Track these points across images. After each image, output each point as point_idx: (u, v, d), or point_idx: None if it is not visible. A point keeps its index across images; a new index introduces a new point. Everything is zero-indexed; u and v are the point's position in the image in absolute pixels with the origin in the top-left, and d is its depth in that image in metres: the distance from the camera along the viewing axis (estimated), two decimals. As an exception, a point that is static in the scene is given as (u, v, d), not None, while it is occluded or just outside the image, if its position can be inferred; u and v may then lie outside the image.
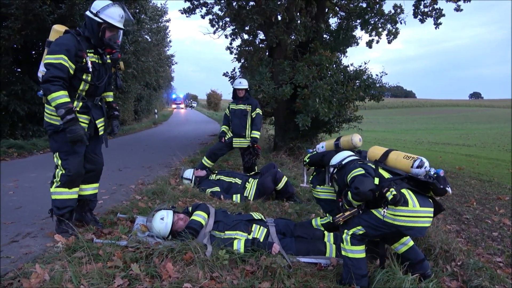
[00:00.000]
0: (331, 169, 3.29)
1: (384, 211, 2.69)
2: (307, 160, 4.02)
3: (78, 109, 3.41)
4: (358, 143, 3.79)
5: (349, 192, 2.91)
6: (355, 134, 3.83)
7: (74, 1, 10.24)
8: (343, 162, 3.22)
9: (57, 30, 3.46)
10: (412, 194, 2.70)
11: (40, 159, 8.76)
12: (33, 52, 12.62)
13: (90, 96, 3.51)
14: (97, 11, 3.33)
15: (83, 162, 3.56)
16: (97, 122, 3.59)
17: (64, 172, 3.44)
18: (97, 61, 3.46)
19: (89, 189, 3.76)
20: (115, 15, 3.37)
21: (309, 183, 4.09)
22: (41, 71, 3.41)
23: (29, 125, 11.70)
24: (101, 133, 3.68)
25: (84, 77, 3.35)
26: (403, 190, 2.70)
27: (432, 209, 2.73)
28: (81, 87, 3.39)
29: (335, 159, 3.34)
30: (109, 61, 3.63)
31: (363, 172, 2.90)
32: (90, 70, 3.34)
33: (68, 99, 3.18)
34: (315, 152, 4.03)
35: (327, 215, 3.90)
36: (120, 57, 3.64)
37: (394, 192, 2.62)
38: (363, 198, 2.78)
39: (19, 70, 12.12)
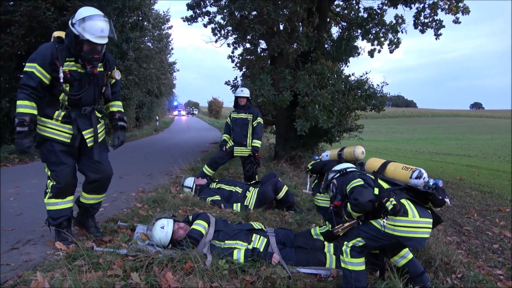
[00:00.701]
0: (332, 174, 3.30)
1: (384, 222, 2.69)
2: (310, 167, 4.07)
3: (60, 118, 3.32)
4: (361, 155, 3.81)
5: (348, 204, 2.92)
6: (358, 146, 3.86)
7: (78, 8, 10.35)
8: (347, 170, 3.24)
9: (54, 34, 3.43)
10: (411, 204, 2.70)
11: (41, 166, 8.72)
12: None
13: (75, 106, 3.37)
14: (74, 22, 3.13)
15: (74, 173, 3.47)
16: (84, 133, 3.43)
17: (54, 183, 3.38)
18: (78, 70, 3.28)
19: (89, 198, 3.64)
20: (93, 30, 3.11)
21: (311, 190, 4.13)
22: None
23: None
24: (89, 144, 3.48)
25: (62, 86, 3.22)
26: (403, 201, 2.70)
27: (431, 220, 2.74)
28: (61, 97, 3.29)
29: (339, 166, 3.36)
30: (100, 69, 3.42)
31: (362, 183, 2.91)
32: (61, 80, 3.18)
33: (28, 110, 3.10)
34: (320, 159, 4.07)
35: (327, 223, 3.90)
36: (96, 73, 3.34)
37: (394, 202, 2.63)
38: (362, 209, 2.79)
39: (21, 76, 12.22)
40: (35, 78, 3.12)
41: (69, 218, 3.55)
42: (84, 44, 3.15)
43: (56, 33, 3.40)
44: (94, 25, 3.10)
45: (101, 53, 3.28)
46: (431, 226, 2.73)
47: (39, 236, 3.82)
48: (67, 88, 3.25)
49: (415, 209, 2.67)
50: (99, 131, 3.57)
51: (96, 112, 3.61)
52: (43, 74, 3.14)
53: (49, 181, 3.43)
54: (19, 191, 5.72)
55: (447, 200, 2.69)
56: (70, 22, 3.18)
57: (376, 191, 2.80)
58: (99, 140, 3.57)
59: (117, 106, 3.74)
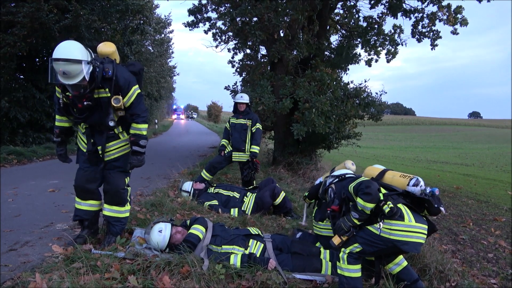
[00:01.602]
0: (331, 179, 3.33)
1: (380, 225, 2.74)
2: (306, 194, 4.08)
3: (82, 130, 3.61)
4: (352, 167, 3.88)
5: (358, 199, 2.86)
6: (347, 160, 3.99)
7: (79, 12, 10.41)
8: (346, 175, 3.27)
9: (99, 47, 3.60)
10: (408, 209, 2.78)
11: (40, 167, 8.80)
12: (37, 59, 12.77)
13: (90, 126, 3.54)
14: (51, 58, 3.05)
15: (91, 180, 3.60)
16: (98, 148, 3.52)
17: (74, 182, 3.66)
18: (64, 99, 3.37)
19: (108, 210, 3.67)
20: (55, 72, 3.05)
21: (311, 217, 4.09)
22: None
23: (30, 132, 11.78)
24: (106, 159, 3.57)
25: (64, 110, 3.47)
26: (399, 205, 2.77)
27: (426, 227, 2.80)
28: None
29: (338, 172, 3.40)
30: (105, 95, 3.34)
31: (369, 180, 2.96)
32: (61, 105, 3.40)
33: (59, 124, 3.57)
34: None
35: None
36: (81, 107, 3.30)
37: (391, 205, 2.71)
38: (375, 197, 2.77)
39: (22, 77, 12.24)
40: (56, 98, 3.45)
41: (88, 220, 3.69)
42: None
43: (104, 46, 3.62)
44: (56, 68, 3.02)
45: (81, 90, 3.19)
46: (426, 232, 2.78)
47: (37, 238, 3.83)
48: (75, 110, 3.41)
49: (411, 214, 2.75)
50: (112, 148, 3.60)
51: (116, 129, 3.59)
52: (61, 96, 3.37)
53: None
54: (17, 192, 5.73)
55: (442, 208, 2.76)
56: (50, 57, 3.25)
57: (381, 195, 2.83)
58: (113, 157, 3.60)
59: (133, 128, 3.58)
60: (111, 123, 3.45)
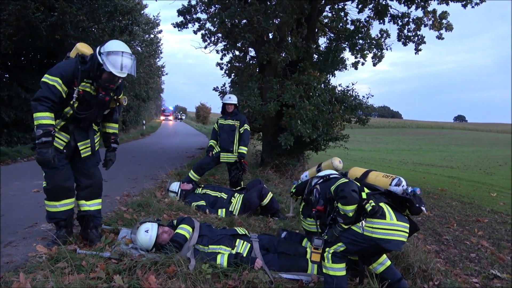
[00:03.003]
0: (316, 180, 3.37)
1: (363, 223, 2.79)
2: (293, 190, 4.09)
3: (58, 127, 3.46)
4: (339, 165, 3.89)
5: (338, 203, 2.93)
6: (335, 158, 3.97)
7: (65, 10, 10.29)
8: (330, 176, 3.32)
9: (79, 49, 3.55)
10: (389, 208, 2.85)
11: (24, 167, 8.66)
12: (23, 58, 12.57)
13: (74, 121, 3.52)
14: (102, 51, 3.33)
15: (68, 177, 3.53)
16: (79, 144, 3.57)
17: (45, 185, 3.49)
18: (92, 92, 3.45)
19: (91, 205, 3.71)
20: (116, 64, 3.32)
21: (297, 213, 4.13)
22: None
23: (15, 132, 11.58)
24: (83, 155, 3.61)
25: (71, 102, 3.37)
26: (381, 204, 2.84)
27: (408, 225, 2.86)
28: (66, 110, 3.42)
29: (322, 173, 3.44)
30: (112, 94, 3.59)
31: (347, 181, 3.02)
32: (73, 99, 3.35)
33: (50, 122, 3.22)
34: (300, 182, 4.08)
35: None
36: (108, 100, 3.54)
37: (373, 204, 2.77)
38: (350, 200, 2.82)
39: (7, 76, 12.04)
40: (57, 92, 3.26)
41: (67, 219, 3.62)
42: (105, 73, 3.34)
43: (80, 46, 3.58)
44: (118, 60, 3.32)
45: (117, 84, 3.50)
46: (408, 230, 2.85)
47: (21, 238, 3.79)
48: (75, 105, 3.38)
49: (392, 212, 2.82)
50: (95, 142, 3.75)
51: (93, 125, 3.74)
52: (63, 89, 3.30)
53: (43, 182, 3.53)
54: (1, 193, 5.63)
55: (423, 208, 2.84)
56: (97, 49, 3.36)
57: (364, 195, 2.89)
58: (95, 150, 3.74)
59: (113, 128, 3.94)
60: (99, 120, 3.70)
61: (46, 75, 3.26)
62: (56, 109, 3.32)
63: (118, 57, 3.32)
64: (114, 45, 3.37)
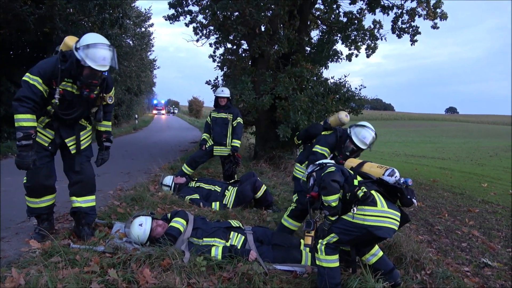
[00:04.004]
0: (312, 168, 3.40)
1: (354, 210, 2.83)
2: (297, 135, 4.37)
3: (42, 124, 3.42)
4: (345, 119, 4.24)
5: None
6: (341, 112, 4.21)
7: (54, 2, 10.12)
8: (326, 164, 3.35)
9: (66, 43, 3.44)
10: (380, 196, 2.91)
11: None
12: (12, 52, 12.38)
13: (58, 119, 3.44)
14: (79, 46, 3.17)
15: (49, 175, 3.49)
16: (66, 140, 3.52)
17: (25, 181, 3.47)
18: (73, 91, 3.35)
19: (83, 201, 3.62)
20: (96, 57, 3.16)
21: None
22: None
23: (5, 127, 11.42)
24: (73, 151, 3.56)
25: (52, 101, 3.28)
26: (373, 192, 2.89)
27: (399, 214, 2.91)
28: (48, 108, 3.36)
29: (319, 162, 3.47)
30: (96, 91, 3.45)
31: (334, 169, 3.06)
32: (56, 99, 3.25)
33: (31, 124, 3.12)
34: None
35: (294, 198, 4.17)
36: (93, 97, 3.43)
37: (365, 190, 2.83)
38: (330, 190, 2.89)
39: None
40: (37, 91, 3.17)
41: (48, 213, 3.63)
42: (85, 69, 3.20)
43: (68, 40, 3.45)
44: (96, 53, 3.15)
45: (100, 79, 3.36)
46: (399, 219, 2.90)
47: (14, 233, 3.77)
48: (57, 105, 3.29)
49: (383, 200, 2.89)
50: (82, 138, 3.65)
51: (83, 120, 3.67)
52: (44, 88, 3.20)
53: (24, 178, 3.48)
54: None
55: (414, 200, 2.89)
56: (74, 46, 3.22)
57: (356, 182, 2.97)
58: (83, 147, 3.64)
59: (105, 126, 3.85)
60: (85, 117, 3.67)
61: (27, 74, 3.17)
62: (39, 108, 3.24)
63: (95, 49, 3.15)
64: (90, 38, 3.21)
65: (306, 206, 3.78)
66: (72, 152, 3.56)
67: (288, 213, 4.17)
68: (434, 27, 11.05)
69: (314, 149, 4.03)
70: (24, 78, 3.16)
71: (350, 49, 11.81)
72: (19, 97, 3.11)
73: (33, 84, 3.14)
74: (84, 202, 3.64)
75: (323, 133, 4.24)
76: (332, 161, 3.48)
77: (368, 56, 12.06)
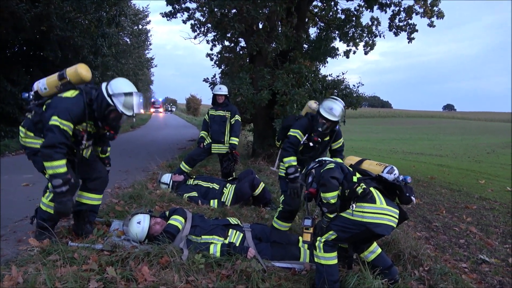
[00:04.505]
0: (312, 164, 3.41)
1: (353, 206, 2.84)
2: (276, 137, 4.55)
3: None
4: (314, 105, 4.36)
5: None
6: (310, 100, 4.49)
7: (50, 0, 10.08)
8: (325, 161, 3.35)
9: (79, 72, 3.40)
10: (379, 193, 2.91)
11: (13, 161, 8.53)
12: (8, 51, 12.32)
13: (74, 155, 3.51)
14: (112, 93, 3.28)
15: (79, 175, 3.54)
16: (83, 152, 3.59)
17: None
18: (91, 131, 3.44)
19: (94, 199, 3.67)
20: (128, 105, 3.33)
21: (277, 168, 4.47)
22: (39, 85, 3.44)
23: (2, 126, 11.38)
24: (87, 155, 3.65)
25: (84, 144, 3.43)
26: (371, 189, 2.90)
27: (397, 211, 2.91)
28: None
29: (319, 158, 3.47)
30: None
31: (333, 166, 3.07)
32: (83, 145, 3.41)
33: (66, 169, 3.14)
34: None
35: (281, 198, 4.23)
36: (116, 138, 3.61)
37: (364, 186, 2.84)
38: (329, 186, 2.90)
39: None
40: (69, 136, 3.21)
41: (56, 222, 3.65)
42: (112, 112, 3.33)
43: (80, 69, 3.41)
44: (131, 101, 3.32)
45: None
46: (397, 216, 2.90)
47: (11, 231, 3.75)
48: (72, 139, 3.35)
49: (382, 197, 2.89)
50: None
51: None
52: (72, 131, 3.26)
53: (49, 183, 3.47)
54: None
55: (413, 198, 2.90)
56: (106, 91, 3.29)
57: (355, 179, 2.97)
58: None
59: (107, 153, 4.02)
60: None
61: (55, 118, 3.11)
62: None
63: (131, 98, 3.31)
64: (125, 86, 3.35)
65: (292, 207, 3.88)
66: (87, 157, 3.64)
67: (277, 214, 4.20)
68: (431, 25, 11.07)
69: (288, 134, 4.14)
70: (53, 122, 3.11)
71: (348, 46, 11.81)
72: (53, 144, 3.08)
73: (65, 130, 3.14)
74: (97, 200, 3.70)
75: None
76: (331, 158, 3.48)
77: (366, 53, 12.07)
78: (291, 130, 4.13)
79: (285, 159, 3.98)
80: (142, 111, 3.65)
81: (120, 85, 3.34)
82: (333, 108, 3.87)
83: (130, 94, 3.32)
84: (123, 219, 3.90)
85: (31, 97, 3.51)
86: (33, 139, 3.36)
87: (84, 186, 3.65)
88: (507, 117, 59.05)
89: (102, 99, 3.28)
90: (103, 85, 3.34)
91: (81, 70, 3.40)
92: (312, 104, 4.43)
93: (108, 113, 3.32)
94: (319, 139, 4.01)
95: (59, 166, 3.07)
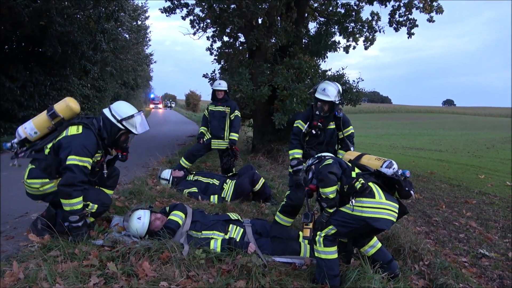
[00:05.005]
0: (312, 161, 3.41)
1: (352, 202, 2.85)
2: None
3: None
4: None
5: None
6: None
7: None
8: (324, 157, 3.35)
9: (70, 106, 3.44)
10: (378, 188, 2.93)
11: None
12: (7, 47, 12.25)
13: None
14: (121, 118, 3.45)
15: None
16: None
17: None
18: (100, 159, 3.58)
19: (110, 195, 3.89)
20: (137, 124, 3.54)
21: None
22: (26, 131, 3.43)
23: (1, 122, 11.34)
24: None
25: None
26: (370, 184, 2.91)
27: (397, 206, 2.92)
28: None
29: (318, 154, 3.47)
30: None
31: (331, 161, 3.07)
32: (105, 173, 3.64)
33: (82, 204, 3.24)
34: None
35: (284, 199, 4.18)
36: (127, 158, 3.79)
37: (363, 181, 2.85)
38: (327, 182, 2.92)
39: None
40: (87, 171, 3.30)
41: None
42: (123, 135, 3.55)
43: (71, 102, 3.47)
44: (136, 121, 3.54)
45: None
46: (397, 210, 2.91)
47: (12, 228, 3.76)
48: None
49: (381, 192, 2.90)
50: None
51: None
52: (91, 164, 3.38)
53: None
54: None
55: (412, 192, 2.91)
56: (114, 117, 3.45)
57: (354, 174, 2.99)
58: None
59: None
60: None
61: (73, 157, 3.17)
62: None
63: (136, 118, 3.53)
64: (128, 109, 3.54)
65: (296, 202, 3.86)
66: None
67: (280, 208, 4.20)
68: (430, 20, 11.01)
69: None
70: (71, 162, 3.16)
71: (348, 41, 11.76)
72: (73, 183, 3.14)
73: (84, 166, 3.22)
74: (110, 195, 3.86)
75: None
76: (330, 154, 3.48)
77: (366, 48, 12.02)
78: (295, 121, 4.21)
79: (290, 151, 4.17)
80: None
81: (124, 110, 3.51)
82: (325, 89, 3.92)
83: (137, 114, 3.54)
84: (123, 215, 3.91)
85: (15, 145, 3.49)
86: (50, 183, 3.33)
87: (102, 183, 3.76)
88: (507, 112, 59.06)
89: (111, 125, 3.44)
90: (106, 113, 3.46)
91: (72, 104, 3.45)
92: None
93: (118, 137, 3.52)
94: (319, 123, 4.03)
95: (76, 203, 3.18)
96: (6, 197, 4.85)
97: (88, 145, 3.27)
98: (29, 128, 3.40)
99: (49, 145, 3.32)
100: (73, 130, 3.31)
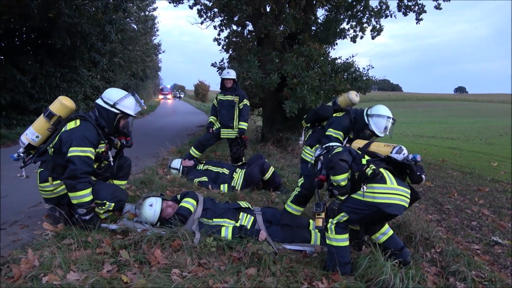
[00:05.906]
0: (319, 151, 3.39)
1: (364, 188, 2.84)
2: (304, 118, 4.38)
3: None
4: (355, 98, 4.08)
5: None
6: (351, 91, 4.12)
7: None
8: (332, 147, 3.33)
9: (64, 104, 3.45)
10: (389, 173, 2.90)
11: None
12: (16, 39, 12.34)
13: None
14: (114, 102, 3.47)
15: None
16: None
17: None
18: (104, 150, 3.60)
19: (122, 185, 3.99)
20: (131, 105, 3.57)
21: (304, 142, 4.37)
22: (28, 137, 3.46)
23: (13, 114, 11.48)
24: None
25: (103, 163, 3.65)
26: (381, 170, 2.89)
27: (409, 191, 2.90)
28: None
29: (326, 145, 3.44)
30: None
31: (341, 149, 3.07)
32: (110, 161, 3.66)
33: (91, 197, 3.27)
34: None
35: (299, 183, 4.09)
36: (133, 143, 3.86)
37: (374, 167, 2.83)
38: (338, 169, 2.90)
39: (1, 57, 11.82)
40: (91, 162, 3.31)
41: None
42: (121, 120, 3.57)
43: (64, 100, 3.49)
44: (130, 102, 3.59)
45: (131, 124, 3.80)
46: (408, 196, 2.89)
47: (26, 217, 3.82)
48: (95, 166, 3.51)
49: (392, 177, 2.88)
50: None
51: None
52: (93, 158, 3.37)
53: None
54: (2, 174, 5.64)
55: (423, 176, 2.89)
56: (107, 104, 3.48)
57: (364, 161, 2.96)
58: None
59: None
60: None
61: (73, 149, 3.19)
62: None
63: (129, 99, 3.58)
64: (118, 92, 3.59)
65: (309, 191, 3.83)
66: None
67: (291, 198, 4.07)
68: (437, 7, 10.76)
69: (327, 133, 3.86)
70: (72, 154, 3.18)
71: (355, 31, 11.57)
72: (76, 175, 3.15)
73: (86, 156, 3.23)
74: (124, 186, 4.00)
75: (334, 115, 4.06)
76: (340, 145, 3.45)
77: (373, 37, 11.79)
78: (332, 130, 3.86)
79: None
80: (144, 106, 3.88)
81: (114, 94, 3.55)
82: (386, 127, 3.73)
83: (127, 95, 3.58)
84: (135, 203, 3.94)
85: (22, 155, 3.54)
86: (62, 185, 3.36)
87: (119, 174, 3.88)
88: (521, 98, 57.87)
89: (107, 112, 3.47)
90: (99, 102, 3.51)
91: (65, 102, 3.47)
92: (354, 97, 4.09)
93: (117, 123, 3.54)
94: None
95: (83, 196, 3.20)
96: (20, 188, 4.92)
97: (88, 135, 3.28)
98: (30, 134, 3.46)
99: (52, 145, 3.37)
100: (71, 124, 3.34)
